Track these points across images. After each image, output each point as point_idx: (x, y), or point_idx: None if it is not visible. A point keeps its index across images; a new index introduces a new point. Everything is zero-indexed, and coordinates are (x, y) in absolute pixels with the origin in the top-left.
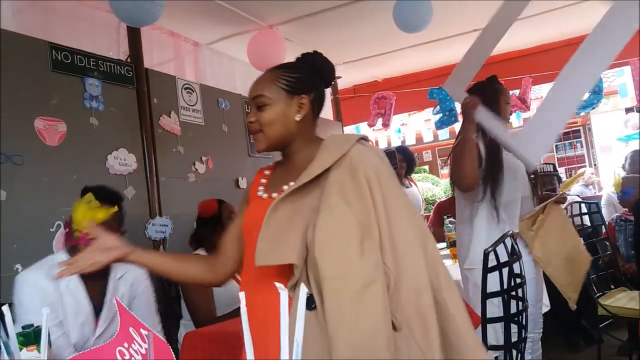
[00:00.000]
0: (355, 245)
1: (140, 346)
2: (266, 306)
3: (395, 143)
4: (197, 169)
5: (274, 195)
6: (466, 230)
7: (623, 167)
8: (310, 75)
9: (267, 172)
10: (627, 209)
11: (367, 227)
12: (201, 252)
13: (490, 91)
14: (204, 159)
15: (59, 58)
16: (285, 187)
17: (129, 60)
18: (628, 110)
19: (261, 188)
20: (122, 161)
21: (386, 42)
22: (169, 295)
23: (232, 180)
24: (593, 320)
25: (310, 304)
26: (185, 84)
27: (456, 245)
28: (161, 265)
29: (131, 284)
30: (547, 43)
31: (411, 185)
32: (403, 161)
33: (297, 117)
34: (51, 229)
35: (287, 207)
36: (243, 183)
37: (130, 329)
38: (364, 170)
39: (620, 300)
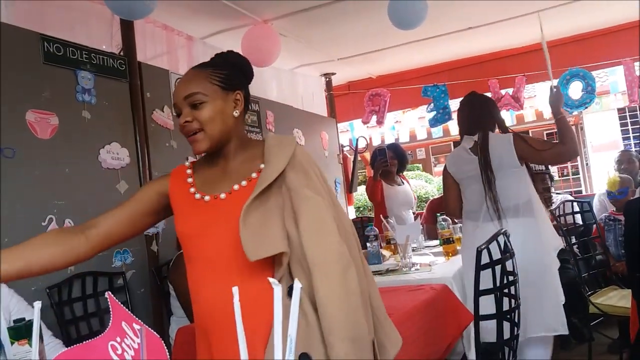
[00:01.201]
0: (335, 232)
1: (133, 341)
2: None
3: (389, 140)
4: None
5: (222, 196)
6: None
7: (616, 168)
8: (236, 72)
9: (189, 172)
10: (615, 209)
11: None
12: None
13: (481, 103)
14: None
15: (51, 50)
16: (236, 187)
17: (122, 53)
18: (619, 110)
19: (192, 189)
20: (115, 155)
21: (381, 39)
22: (162, 291)
23: None
24: (584, 318)
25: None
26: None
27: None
28: (18, 272)
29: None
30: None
31: (403, 183)
32: (394, 158)
33: (236, 113)
34: (43, 223)
35: (256, 208)
36: None
37: (123, 323)
38: (312, 168)
39: (611, 298)
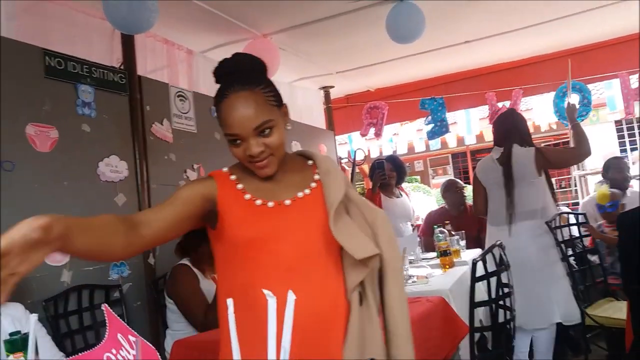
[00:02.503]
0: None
1: (129, 352)
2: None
3: (387, 153)
4: (188, 177)
5: (287, 202)
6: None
7: (604, 176)
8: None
9: (233, 177)
10: (607, 222)
11: None
12: (186, 262)
13: (512, 120)
14: (195, 166)
15: (52, 64)
16: (300, 194)
17: (122, 67)
18: (617, 122)
19: (248, 196)
20: (114, 168)
21: (379, 53)
22: (158, 304)
23: None
24: (580, 330)
25: (360, 301)
26: (178, 92)
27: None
28: (87, 252)
29: (13, 319)
30: (537, 55)
31: (402, 195)
32: (393, 170)
33: (289, 127)
34: None
35: (337, 216)
36: None
37: (119, 335)
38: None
39: (607, 310)
